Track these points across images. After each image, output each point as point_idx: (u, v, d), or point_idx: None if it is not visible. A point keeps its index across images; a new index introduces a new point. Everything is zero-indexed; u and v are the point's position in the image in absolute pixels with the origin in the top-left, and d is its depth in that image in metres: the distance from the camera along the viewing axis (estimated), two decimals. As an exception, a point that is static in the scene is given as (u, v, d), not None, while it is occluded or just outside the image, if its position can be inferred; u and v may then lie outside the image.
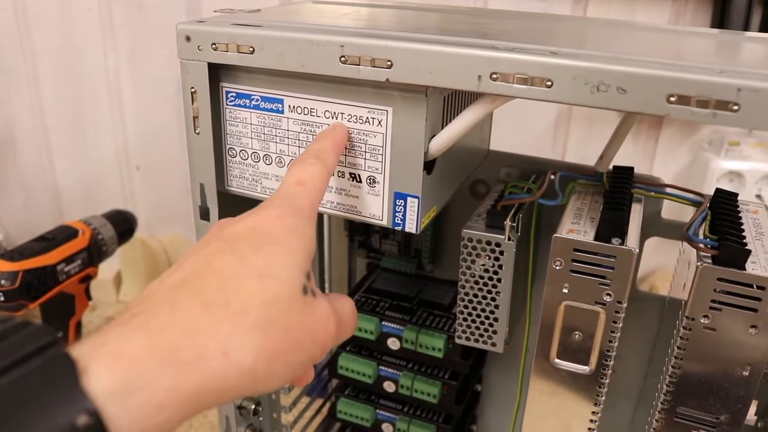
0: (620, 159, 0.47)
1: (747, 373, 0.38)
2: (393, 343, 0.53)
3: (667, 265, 0.80)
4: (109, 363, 0.21)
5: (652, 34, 0.44)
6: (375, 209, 0.38)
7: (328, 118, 0.36)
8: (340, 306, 0.30)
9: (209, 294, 0.25)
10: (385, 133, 0.35)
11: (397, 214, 0.37)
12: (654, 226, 0.49)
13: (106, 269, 0.91)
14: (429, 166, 0.37)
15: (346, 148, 0.37)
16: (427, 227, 0.55)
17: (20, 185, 1.01)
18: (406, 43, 0.32)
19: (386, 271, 0.59)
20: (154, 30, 0.88)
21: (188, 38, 0.37)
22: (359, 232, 0.59)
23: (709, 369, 0.38)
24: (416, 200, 0.36)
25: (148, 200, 0.99)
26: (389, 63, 0.32)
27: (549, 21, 0.48)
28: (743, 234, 0.39)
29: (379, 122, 0.35)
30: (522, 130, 0.80)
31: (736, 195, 0.44)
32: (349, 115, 0.36)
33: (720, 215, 0.41)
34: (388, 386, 0.54)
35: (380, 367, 0.54)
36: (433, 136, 0.35)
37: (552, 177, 0.46)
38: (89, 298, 0.69)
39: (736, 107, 0.28)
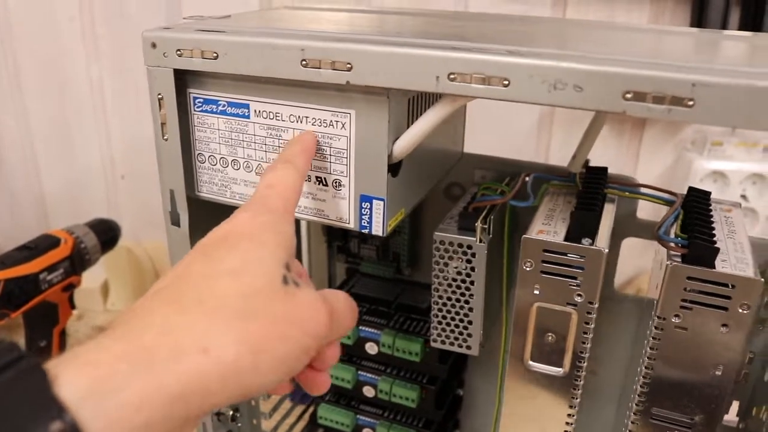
0: (604, 160, 0.46)
1: (720, 373, 0.38)
2: (371, 348, 0.52)
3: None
4: (81, 369, 0.21)
5: (626, 33, 0.44)
6: (342, 212, 0.37)
7: (293, 122, 0.36)
8: (333, 297, 0.29)
9: (185, 295, 0.25)
10: (349, 136, 0.35)
11: (363, 216, 0.37)
12: (629, 227, 0.49)
13: (92, 278, 0.91)
14: (395, 168, 0.37)
15: (312, 152, 0.37)
16: (404, 231, 0.55)
17: (6, 193, 1.01)
18: (366, 45, 0.32)
19: (365, 275, 0.59)
20: (136, 38, 0.88)
21: (153, 45, 0.37)
22: (337, 237, 0.59)
23: (681, 369, 0.38)
24: (382, 203, 0.36)
25: (133, 208, 0.99)
26: (349, 66, 0.32)
27: (527, 23, 0.48)
28: (713, 232, 0.39)
29: (343, 125, 0.35)
30: (504, 133, 0.80)
31: (709, 194, 0.44)
32: (313, 118, 0.36)
33: (691, 214, 0.41)
34: (368, 391, 0.54)
35: (359, 372, 0.54)
36: (398, 138, 0.35)
37: (526, 179, 0.47)
38: (73, 306, 0.69)
39: (691, 102, 0.28)
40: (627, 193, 0.46)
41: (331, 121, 0.35)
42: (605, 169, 0.47)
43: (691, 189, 0.44)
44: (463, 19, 0.49)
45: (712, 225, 0.40)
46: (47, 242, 0.64)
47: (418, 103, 0.37)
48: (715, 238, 0.38)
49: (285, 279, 0.27)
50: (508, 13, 0.76)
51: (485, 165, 0.51)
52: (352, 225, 0.37)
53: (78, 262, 0.67)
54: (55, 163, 0.98)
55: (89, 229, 0.69)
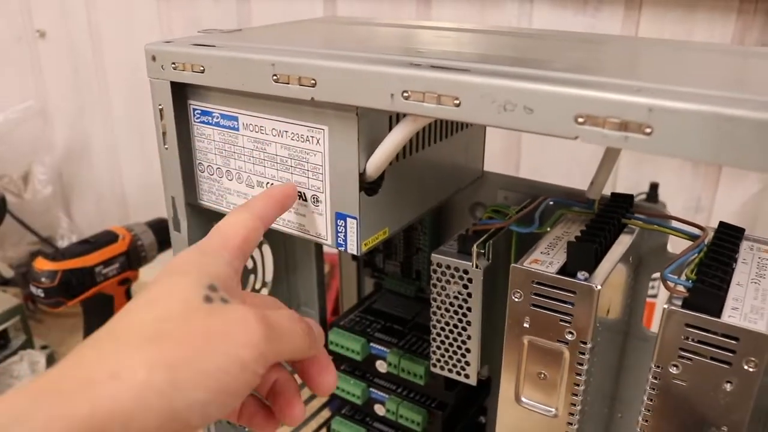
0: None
1: (724, 435, 0.33)
2: (381, 366, 0.51)
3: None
4: None
5: (663, 52, 0.40)
6: (320, 229, 0.37)
7: (275, 135, 0.37)
8: (272, 312, 0.29)
9: (99, 334, 0.25)
10: (324, 152, 0.35)
11: (339, 234, 0.36)
12: (659, 261, 0.45)
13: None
14: (373, 186, 0.36)
15: (291, 167, 0.37)
16: (425, 249, 0.54)
17: (94, 191, 1.10)
18: (328, 61, 0.31)
19: (390, 292, 0.58)
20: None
21: (154, 58, 0.39)
22: (363, 251, 0.58)
23: (681, 426, 0.34)
24: (355, 221, 0.35)
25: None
26: (313, 82, 0.32)
27: (566, 40, 0.45)
28: (726, 276, 0.34)
29: (318, 141, 0.35)
30: (571, 158, 0.76)
31: (742, 230, 0.39)
32: (292, 133, 0.36)
33: (711, 252, 0.36)
34: (379, 409, 0.53)
35: (371, 389, 0.53)
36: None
37: (549, 203, 0.44)
38: (129, 299, 0.73)
39: (648, 130, 0.25)
40: (651, 225, 0.42)
41: (308, 136, 0.35)
42: (630, 196, 0.43)
43: (721, 224, 0.40)
44: (514, 36, 0.47)
45: (730, 266, 0.35)
46: (106, 238, 0.69)
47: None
48: (724, 283, 0.34)
49: (207, 298, 0.26)
50: (573, 27, 0.72)
51: (508, 186, 0.49)
52: (329, 242, 0.37)
53: (134, 258, 0.71)
54: (135, 165, 1.06)
55: (148, 227, 0.74)
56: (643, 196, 0.72)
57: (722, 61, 0.38)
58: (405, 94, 0.29)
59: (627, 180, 0.75)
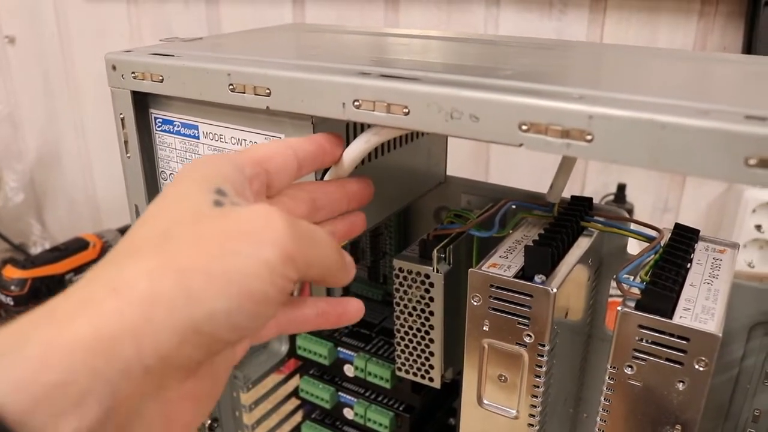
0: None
1: (678, 433, 0.34)
2: (348, 370, 0.52)
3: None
4: None
5: (623, 58, 0.41)
6: (280, 235, 0.37)
7: (234, 144, 0.37)
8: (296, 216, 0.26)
9: (112, 252, 0.23)
10: (281, 160, 0.35)
11: (298, 241, 0.37)
12: (619, 263, 0.45)
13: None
14: (331, 193, 0.36)
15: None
16: (391, 254, 0.54)
17: (66, 198, 1.10)
18: (282, 70, 0.32)
19: (357, 296, 0.58)
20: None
21: (114, 67, 0.39)
22: (331, 256, 0.58)
23: (637, 425, 0.35)
24: (313, 228, 0.36)
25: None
26: (268, 91, 0.32)
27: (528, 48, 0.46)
28: (678, 277, 0.35)
29: (275, 149, 0.35)
30: (541, 160, 0.76)
31: (696, 231, 0.40)
32: (250, 141, 0.36)
33: (665, 254, 0.37)
34: (348, 413, 0.53)
35: (339, 393, 0.53)
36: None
37: (511, 206, 0.44)
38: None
39: (589, 137, 0.25)
40: (609, 228, 0.42)
41: (265, 144, 0.35)
42: (589, 199, 0.44)
43: (677, 226, 0.41)
44: (470, 43, 0.47)
45: (683, 268, 0.36)
46: (77, 245, 0.69)
47: (359, 130, 0.36)
48: (678, 284, 0.34)
49: (217, 202, 0.23)
50: (540, 33, 0.73)
51: (471, 190, 0.50)
52: (289, 248, 0.37)
53: (105, 265, 0.71)
54: (108, 171, 1.05)
55: (119, 234, 0.73)
56: (611, 198, 0.73)
57: (675, 67, 0.39)
58: (356, 103, 0.30)
59: (595, 181, 0.76)
